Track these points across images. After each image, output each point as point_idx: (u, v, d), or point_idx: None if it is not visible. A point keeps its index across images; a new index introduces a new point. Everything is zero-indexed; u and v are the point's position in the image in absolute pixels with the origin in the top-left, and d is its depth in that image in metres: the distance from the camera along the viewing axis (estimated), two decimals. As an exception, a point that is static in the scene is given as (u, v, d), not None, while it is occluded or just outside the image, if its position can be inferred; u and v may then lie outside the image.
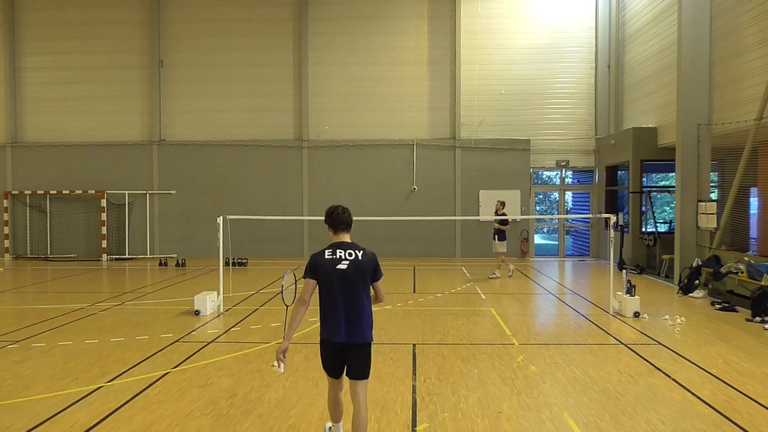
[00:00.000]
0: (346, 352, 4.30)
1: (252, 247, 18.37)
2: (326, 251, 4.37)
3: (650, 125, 15.80)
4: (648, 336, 8.24)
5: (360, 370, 4.31)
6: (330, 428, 4.76)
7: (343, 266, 4.26)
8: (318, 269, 4.30)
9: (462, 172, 18.85)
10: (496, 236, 13.93)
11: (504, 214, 13.96)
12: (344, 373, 4.39)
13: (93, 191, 19.01)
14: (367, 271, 4.28)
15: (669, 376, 6.38)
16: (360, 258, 4.30)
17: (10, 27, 19.41)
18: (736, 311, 9.95)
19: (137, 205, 19.28)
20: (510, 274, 14.37)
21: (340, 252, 4.32)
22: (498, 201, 14.32)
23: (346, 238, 4.46)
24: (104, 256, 18.74)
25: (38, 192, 19.13)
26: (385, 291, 4.45)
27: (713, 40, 12.54)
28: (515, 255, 18.71)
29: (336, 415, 4.64)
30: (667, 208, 22.20)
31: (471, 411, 5.37)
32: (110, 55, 19.41)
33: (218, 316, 9.70)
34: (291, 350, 7.40)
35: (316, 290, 4.32)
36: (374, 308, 4.43)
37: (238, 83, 19.24)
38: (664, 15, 14.77)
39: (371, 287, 4.36)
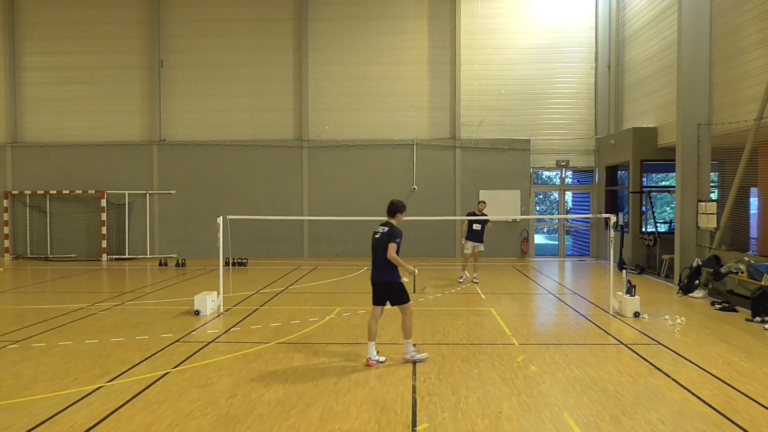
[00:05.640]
0: None
1: (252, 247, 18.37)
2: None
3: (650, 125, 15.80)
4: (648, 336, 8.24)
5: None
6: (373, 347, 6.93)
7: None
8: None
9: (462, 172, 18.85)
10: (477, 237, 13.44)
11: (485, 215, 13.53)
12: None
13: (93, 191, 19.01)
14: None
15: (669, 376, 6.38)
16: None
17: (10, 27, 19.41)
18: (736, 311, 9.95)
19: (137, 205, 19.28)
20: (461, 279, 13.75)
21: None
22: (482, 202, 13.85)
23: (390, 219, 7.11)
24: (104, 256, 18.74)
25: (38, 192, 19.13)
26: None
27: (713, 40, 12.54)
28: (516, 255, 18.73)
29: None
30: (667, 208, 22.21)
31: (471, 411, 5.37)
32: (110, 55, 19.42)
33: (218, 316, 9.70)
34: (291, 350, 7.47)
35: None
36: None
37: (238, 83, 19.24)
38: (664, 15, 14.78)
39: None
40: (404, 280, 7.00)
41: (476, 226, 13.32)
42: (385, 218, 7.18)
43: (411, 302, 7.01)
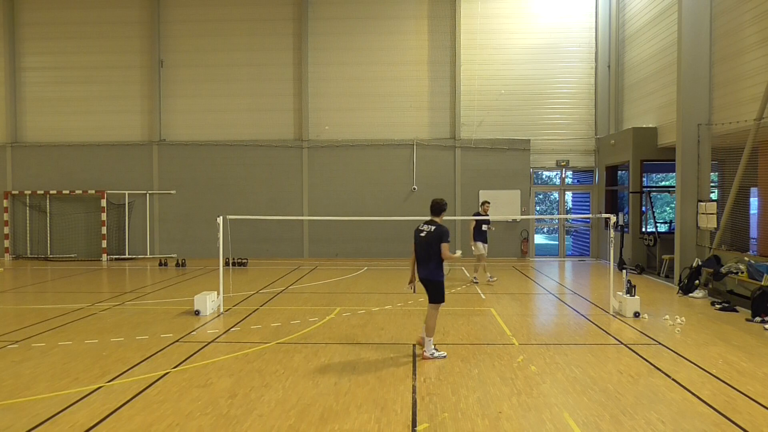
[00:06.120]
0: None
1: (252, 247, 18.38)
2: None
3: (650, 125, 15.80)
4: (648, 336, 8.24)
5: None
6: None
7: None
8: None
9: (462, 172, 18.85)
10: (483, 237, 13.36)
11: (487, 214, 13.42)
12: None
13: (93, 191, 19.02)
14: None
15: (669, 376, 6.38)
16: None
17: (10, 27, 19.42)
18: (736, 311, 9.95)
19: (137, 205, 19.28)
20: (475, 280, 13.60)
21: None
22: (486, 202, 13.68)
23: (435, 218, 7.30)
24: (104, 256, 18.74)
25: (38, 192, 19.13)
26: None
27: (713, 40, 12.54)
28: (516, 255, 18.74)
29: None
30: (667, 208, 22.23)
31: (471, 411, 5.37)
32: (110, 55, 19.42)
33: (218, 316, 9.70)
34: (291, 350, 7.47)
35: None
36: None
37: (238, 83, 19.25)
38: (664, 15, 14.78)
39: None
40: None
41: (485, 227, 13.30)
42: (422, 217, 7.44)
43: (443, 304, 7.27)
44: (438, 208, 7.31)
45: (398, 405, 5.52)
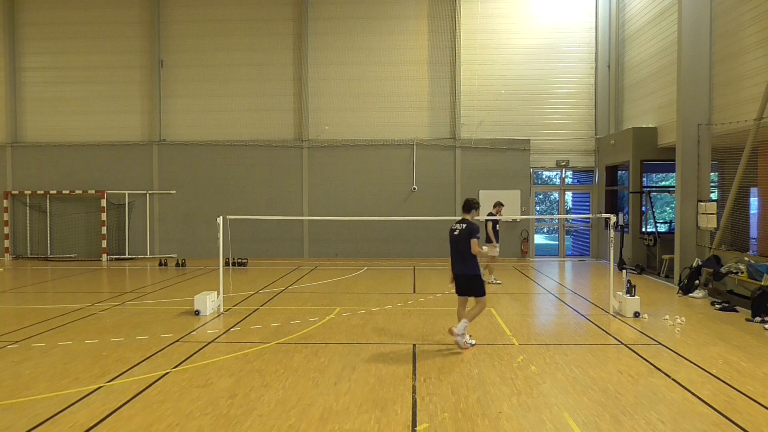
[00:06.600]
0: None
1: (252, 247, 18.39)
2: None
3: (650, 125, 15.80)
4: (648, 336, 8.24)
5: None
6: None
7: None
8: None
9: (462, 172, 18.85)
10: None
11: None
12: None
13: (93, 191, 19.02)
14: None
15: (669, 376, 6.38)
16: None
17: (10, 27, 19.42)
18: (736, 311, 9.95)
19: (137, 205, 19.28)
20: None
21: None
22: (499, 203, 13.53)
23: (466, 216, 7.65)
24: (104, 256, 18.74)
25: (38, 192, 19.13)
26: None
27: (713, 40, 12.54)
28: (516, 255, 18.74)
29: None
30: (667, 208, 22.21)
31: (471, 411, 5.37)
32: (110, 55, 19.42)
33: (218, 316, 9.70)
34: (291, 350, 7.47)
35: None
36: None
37: (238, 83, 19.25)
38: (664, 15, 14.78)
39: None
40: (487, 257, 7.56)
41: (498, 227, 13.40)
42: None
43: (486, 296, 7.63)
44: (468, 206, 7.69)
45: (398, 405, 5.52)
